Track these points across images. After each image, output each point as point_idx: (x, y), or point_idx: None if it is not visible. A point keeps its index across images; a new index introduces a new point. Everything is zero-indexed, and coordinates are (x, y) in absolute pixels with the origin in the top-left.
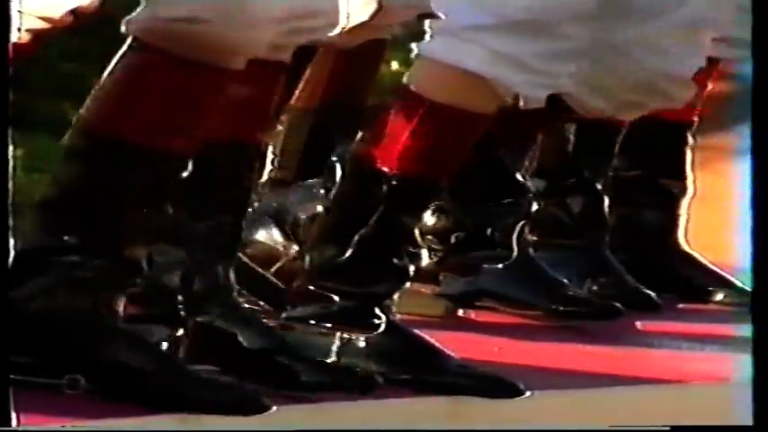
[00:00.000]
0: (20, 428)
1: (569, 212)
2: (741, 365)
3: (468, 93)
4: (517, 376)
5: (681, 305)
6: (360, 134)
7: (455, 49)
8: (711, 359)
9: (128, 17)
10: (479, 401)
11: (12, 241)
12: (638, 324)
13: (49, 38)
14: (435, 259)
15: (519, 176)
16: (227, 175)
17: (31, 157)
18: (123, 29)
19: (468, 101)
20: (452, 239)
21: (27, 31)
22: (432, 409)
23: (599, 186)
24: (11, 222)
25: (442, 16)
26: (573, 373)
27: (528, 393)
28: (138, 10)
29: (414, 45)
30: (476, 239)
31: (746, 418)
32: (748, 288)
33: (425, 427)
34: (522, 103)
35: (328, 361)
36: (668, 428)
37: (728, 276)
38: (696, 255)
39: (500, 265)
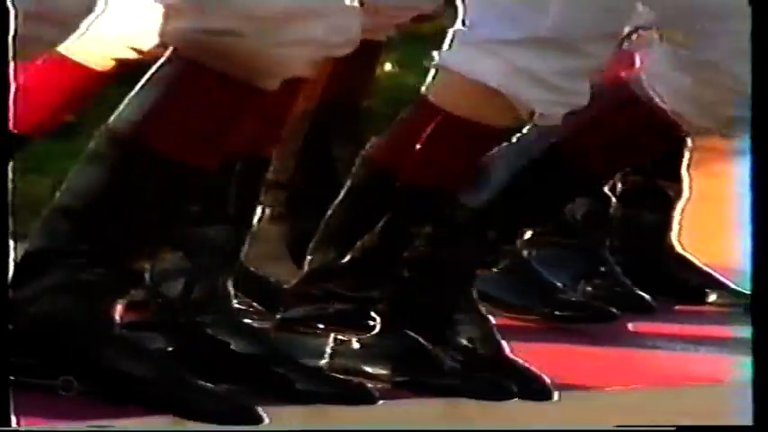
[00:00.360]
0: (20, 428)
1: (571, 211)
2: (737, 366)
3: (486, 107)
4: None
5: (676, 307)
6: (372, 139)
7: (476, 62)
8: (707, 360)
9: (165, 27)
10: (475, 403)
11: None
12: (634, 326)
13: (134, 66)
14: None
15: None
16: (241, 186)
17: (28, 159)
18: (160, 39)
19: (484, 115)
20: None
21: (113, 59)
22: (427, 411)
23: (606, 189)
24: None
25: (461, 25)
26: (570, 375)
27: None
28: (176, 20)
29: (435, 54)
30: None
31: (746, 419)
32: (742, 289)
33: (421, 427)
34: (537, 120)
35: (323, 365)
36: (671, 429)
37: (722, 278)
38: (690, 257)
39: (495, 269)
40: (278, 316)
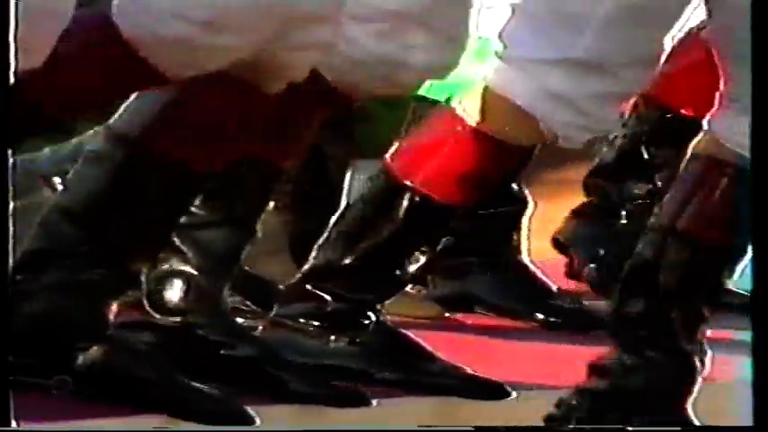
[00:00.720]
0: (20, 428)
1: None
2: (737, 366)
3: (512, 125)
4: (507, 377)
5: None
6: (395, 145)
7: (508, 80)
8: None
9: None
10: (471, 402)
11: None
12: None
13: None
14: (424, 261)
15: (514, 186)
16: (245, 191)
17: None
18: None
19: (509, 133)
20: (442, 243)
21: None
22: (422, 410)
23: None
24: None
25: (497, 40)
26: (569, 374)
27: (514, 395)
28: None
29: (466, 66)
30: (465, 244)
31: (746, 419)
32: (738, 290)
33: (416, 427)
34: (561, 143)
35: (317, 365)
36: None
37: None
38: None
39: (488, 273)
40: (273, 312)
